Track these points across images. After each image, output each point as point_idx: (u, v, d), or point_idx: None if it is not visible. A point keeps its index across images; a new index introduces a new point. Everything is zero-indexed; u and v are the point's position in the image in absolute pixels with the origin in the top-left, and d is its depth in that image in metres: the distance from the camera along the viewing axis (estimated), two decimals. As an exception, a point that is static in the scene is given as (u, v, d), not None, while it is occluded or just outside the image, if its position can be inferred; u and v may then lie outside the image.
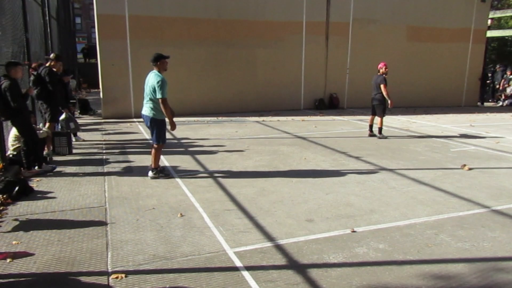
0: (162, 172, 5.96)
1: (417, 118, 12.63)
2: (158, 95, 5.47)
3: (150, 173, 5.89)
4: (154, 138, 5.81)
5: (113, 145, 8.25)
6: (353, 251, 3.72)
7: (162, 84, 5.46)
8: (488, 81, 18.49)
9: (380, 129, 9.01)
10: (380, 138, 8.95)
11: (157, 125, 5.70)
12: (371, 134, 9.19)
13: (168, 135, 9.31)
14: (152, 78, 5.57)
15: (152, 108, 5.62)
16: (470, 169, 6.53)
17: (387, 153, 7.60)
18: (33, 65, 7.62)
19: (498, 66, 19.46)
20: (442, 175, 6.23)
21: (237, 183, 5.72)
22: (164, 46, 12.02)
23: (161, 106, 5.52)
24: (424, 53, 15.41)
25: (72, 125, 7.92)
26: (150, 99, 5.61)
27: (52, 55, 7.74)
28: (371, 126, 9.25)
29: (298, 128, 10.33)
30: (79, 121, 11.17)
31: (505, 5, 28.36)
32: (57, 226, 4.18)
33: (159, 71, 5.61)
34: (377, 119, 9.10)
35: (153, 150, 5.85)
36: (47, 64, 7.42)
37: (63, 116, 7.83)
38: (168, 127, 5.83)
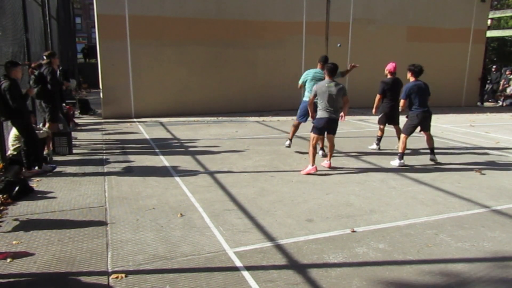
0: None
1: (417, 118, 12.60)
2: None
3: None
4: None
5: (113, 145, 8.26)
6: (353, 251, 3.72)
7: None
8: (488, 81, 18.49)
9: None
10: None
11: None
12: None
13: (167, 135, 9.40)
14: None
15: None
16: (482, 174, 6.28)
17: (387, 153, 7.59)
18: (33, 65, 7.62)
19: (496, 66, 19.47)
20: (442, 175, 6.23)
21: (237, 183, 5.72)
22: (164, 46, 12.09)
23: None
24: (424, 53, 15.36)
25: (61, 126, 7.91)
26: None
27: (46, 53, 7.67)
28: None
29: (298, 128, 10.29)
30: (79, 121, 11.24)
31: (505, 5, 28.39)
32: (57, 226, 4.18)
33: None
34: None
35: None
36: (44, 62, 7.39)
37: None
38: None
